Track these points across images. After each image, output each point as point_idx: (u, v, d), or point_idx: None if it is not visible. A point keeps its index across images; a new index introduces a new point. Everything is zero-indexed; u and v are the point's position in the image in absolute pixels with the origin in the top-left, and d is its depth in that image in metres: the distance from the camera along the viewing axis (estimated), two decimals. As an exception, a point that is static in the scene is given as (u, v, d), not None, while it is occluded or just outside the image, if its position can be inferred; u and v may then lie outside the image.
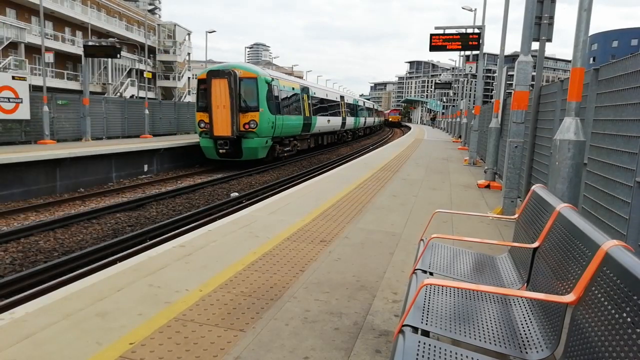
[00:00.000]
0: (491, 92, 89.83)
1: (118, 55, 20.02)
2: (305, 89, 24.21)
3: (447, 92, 53.20)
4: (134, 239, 8.22)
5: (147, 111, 22.25)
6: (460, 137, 27.06)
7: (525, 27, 6.63)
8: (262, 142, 18.29)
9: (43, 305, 3.36)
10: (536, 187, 3.30)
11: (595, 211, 4.20)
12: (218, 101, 17.30)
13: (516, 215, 3.52)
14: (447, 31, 13.58)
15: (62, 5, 37.06)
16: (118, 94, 40.49)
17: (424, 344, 1.81)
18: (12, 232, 8.26)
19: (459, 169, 13.26)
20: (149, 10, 74.75)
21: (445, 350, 1.79)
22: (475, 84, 19.93)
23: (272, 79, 19.17)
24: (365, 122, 45.30)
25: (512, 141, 7.00)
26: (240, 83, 17.53)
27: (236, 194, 12.95)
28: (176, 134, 25.36)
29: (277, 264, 4.39)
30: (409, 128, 63.23)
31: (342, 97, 34.04)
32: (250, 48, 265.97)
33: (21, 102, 15.63)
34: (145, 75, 25.91)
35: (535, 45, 6.84)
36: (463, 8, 28.55)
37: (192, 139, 20.93)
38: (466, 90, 29.85)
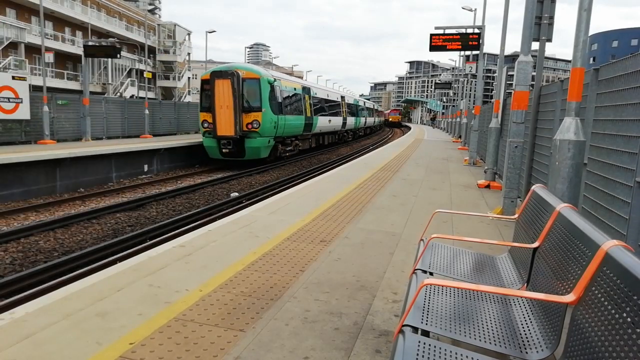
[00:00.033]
0: (491, 92, 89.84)
1: (118, 55, 20.03)
2: (306, 89, 24.31)
3: (447, 92, 53.20)
4: (134, 239, 8.22)
5: (147, 111, 22.26)
6: (460, 137, 27.07)
7: (525, 27, 6.63)
8: (265, 141, 18.39)
9: (43, 305, 3.36)
10: (536, 187, 3.30)
11: (595, 211, 4.20)
12: (221, 101, 17.45)
13: (516, 215, 3.52)
14: (447, 31, 13.58)
15: (62, 5, 37.07)
16: (118, 94, 40.49)
17: (424, 344, 1.81)
18: (12, 232, 8.26)
19: (459, 169, 13.26)
20: (149, 10, 74.76)
21: (445, 350, 1.79)
22: (475, 84, 19.93)
23: (275, 80, 19.29)
24: (365, 122, 45.37)
25: (512, 141, 7.00)
26: (243, 84, 17.69)
27: (236, 194, 12.95)
28: (176, 134, 25.37)
29: (277, 264, 4.39)
30: (409, 128, 63.24)
31: (342, 98, 34.11)
32: (250, 48, 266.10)
33: (21, 102, 15.63)
34: (145, 75, 25.91)
35: (535, 45, 6.84)
36: (463, 8, 28.56)
37: (192, 139, 20.96)
38: (466, 90, 29.86)
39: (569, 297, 1.87)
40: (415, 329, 1.99)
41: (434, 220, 6.04)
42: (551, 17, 6.72)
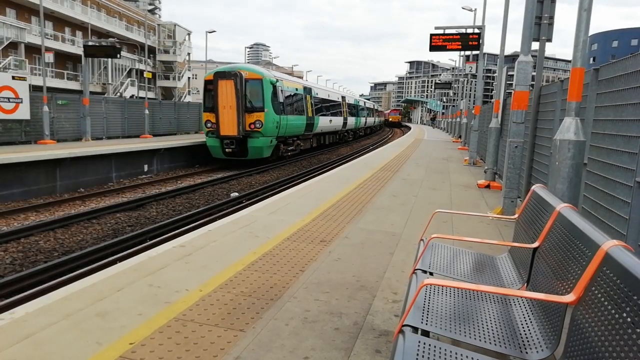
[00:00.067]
0: (491, 92, 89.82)
1: (118, 55, 20.04)
2: (308, 90, 24.43)
3: (447, 92, 53.19)
4: (134, 239, 8.22)
5: (147, 111, 22.26)
6: (460, 137, 27.07)
7: (525, 27, 6.63)
8: (267, 141, 18.53)
9: (43, 305, 3.36)
10: (536, 187, 3.30)
11: (595, 211, 4.20)
12: (224, 102, 17.60)
13: (516, 215, 3.52)
14: (447, 31, 13.58)
15: (62, 5, 37.07)
16: (118, 94, 40.49)
17: (424, 344, 1.81)
18: (12, 232, 8.26)
19: (459, 169, 13.26)
20: (149, 10, 74.76)
21: (445, 350, 1.79)
22: (475, 84, 19.93)
23: (277, 80, 19.44)
24: (365, 122, 45.47)
25: (512, 141, 7.00)
26: (246, 84, 17.84)
27: (236, 194, 12.95)
28: (176, 134, 25.37)
29: (277, 264, 4.39)
30: (409, 128, 63.24)
31: (343, 98, 34.20)
32: (250, 48, 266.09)
33: (21, 102, 15.63)
34: (145, 75, 25.91)
35: (535, 45, 6.84)
36: (463, 8, 28.55)
37: (192, 139, 20.97)
38: (466, 90, 29.84)
39: (569, 297, 1.87)
40: (415, 329, 1.99)
41: (434, 220, 6.04)
42: (551, 17, 6.72)
